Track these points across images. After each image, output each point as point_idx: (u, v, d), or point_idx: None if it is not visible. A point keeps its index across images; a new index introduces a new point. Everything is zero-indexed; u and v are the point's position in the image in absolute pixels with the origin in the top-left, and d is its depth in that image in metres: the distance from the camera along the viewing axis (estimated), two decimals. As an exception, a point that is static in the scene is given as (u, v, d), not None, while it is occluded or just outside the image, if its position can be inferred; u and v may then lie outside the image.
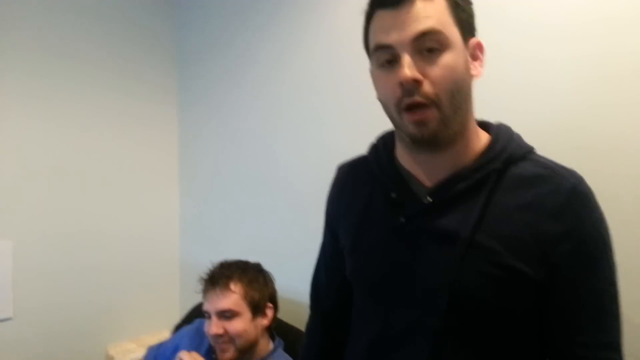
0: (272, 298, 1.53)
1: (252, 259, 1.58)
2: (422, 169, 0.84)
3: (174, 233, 2.41)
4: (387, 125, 0.87)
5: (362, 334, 0.91)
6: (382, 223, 0.86)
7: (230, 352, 1.40)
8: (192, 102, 2.34)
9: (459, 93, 0.76)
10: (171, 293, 2.39)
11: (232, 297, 1.41)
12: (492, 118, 0.89)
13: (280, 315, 1.59)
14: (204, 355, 1.46)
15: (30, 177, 1.97)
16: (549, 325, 0.78)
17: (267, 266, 1.58)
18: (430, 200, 0.81)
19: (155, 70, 2.32)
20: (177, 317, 2.17)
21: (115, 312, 2.21)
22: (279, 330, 1.58)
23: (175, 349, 1.55)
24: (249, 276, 1.47)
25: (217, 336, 1.39)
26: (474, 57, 0.81)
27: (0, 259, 1.88)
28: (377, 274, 0.85)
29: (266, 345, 1.49)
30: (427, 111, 0.75)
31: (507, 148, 0.81)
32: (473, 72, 0.80)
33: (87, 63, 2.10)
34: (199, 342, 1.53)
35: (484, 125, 0.87)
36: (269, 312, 1.49)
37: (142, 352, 1.77)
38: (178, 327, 1.82)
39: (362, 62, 0.87)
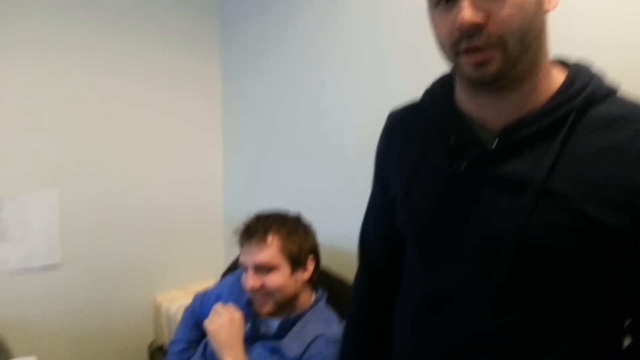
0: (314, 250, 1.46)
1: (298, 208, 1.52)
2: (485, 112, 0.75)
3: (217, 184, 2.40)
4: (444, 69, 0.78)
5: (413, 286, 0.87)
6: (438, 171, 0.79)
7: (269, 306, 1.36)
8: (235, 54, 2.25)
9: (529, 32, 0.67)
10: (216, 243, 2.41)
11: (270, 251, 1.35)
12: (570, 54, 0.78)
13: (329, 265, 1.53)
14: (243, 307, 1.43)
15: (75, 128, 1.98)
16: (628, 281, 0.71)
17: (314, 215, 1.51)
18: (497, 144, 0.72)
19: (198, 22, 2.25)
20: (222, 266, 2.17)
21: (163, 262, 2.25)
22: (324, 281, 1.52)
23: (218, 297, 1.54)
24: (288, 228, 1.40)
25: (254, 289, 1.35)
26: None
27: (48, 206, 1.92)
28: (431, 225, 0.81)
29: (308, 298, 1.44)
30: (488, 52, 0.66)
31: (587, 87, 0.71)
32: (549, 3, 0.69)
33: (130, 16, 2.06)
34: (238, 292, 1.49)
35: (561, 63, 0.76)
36: (310, 266, 1.43)
37: (188, 299, 1.78)
38: (224, 275, 1.82)
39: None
